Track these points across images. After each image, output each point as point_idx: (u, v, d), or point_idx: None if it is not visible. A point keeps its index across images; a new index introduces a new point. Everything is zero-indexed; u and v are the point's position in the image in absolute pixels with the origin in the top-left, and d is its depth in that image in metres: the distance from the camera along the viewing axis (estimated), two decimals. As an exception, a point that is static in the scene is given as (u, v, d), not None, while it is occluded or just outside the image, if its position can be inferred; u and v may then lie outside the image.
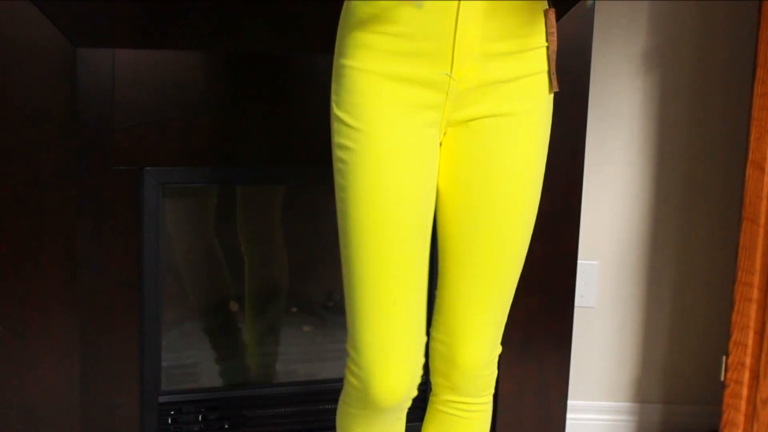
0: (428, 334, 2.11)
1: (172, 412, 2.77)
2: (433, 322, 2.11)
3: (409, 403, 2.06)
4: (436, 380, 2.14)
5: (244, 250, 3.01)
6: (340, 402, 2.11)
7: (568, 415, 3.16)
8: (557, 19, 2.73)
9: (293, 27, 2.59)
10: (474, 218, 2.00)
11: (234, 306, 3.04)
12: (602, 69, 3.14)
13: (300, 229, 3.05)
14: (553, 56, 1.99)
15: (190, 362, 2.98)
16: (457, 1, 1.86)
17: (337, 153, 1.94)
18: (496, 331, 2.10)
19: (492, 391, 2.16)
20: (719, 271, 3.27)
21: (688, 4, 3.15)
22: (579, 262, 3.06)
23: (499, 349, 2.13)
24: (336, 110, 1.94)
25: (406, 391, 1.99)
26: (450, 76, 1.90)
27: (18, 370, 2.59)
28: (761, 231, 2.85)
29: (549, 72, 2.00)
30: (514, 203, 2.00)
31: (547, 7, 1.99)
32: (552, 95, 2.03)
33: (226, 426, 2.82)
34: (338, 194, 1.95)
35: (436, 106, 1.92)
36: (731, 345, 2.92)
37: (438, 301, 2.09)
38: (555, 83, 2.01)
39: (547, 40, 1.99)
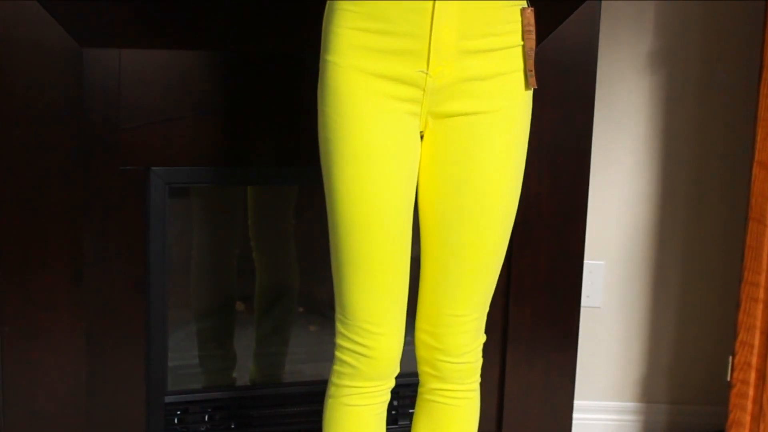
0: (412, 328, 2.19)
1: (179, 412, 2.77)
2: (417, 313, 2.17)
3: (392, 383, 2.15)
4: (422, 369, 2.20)
5: (254, 251, 3.01)
6: (332, 404, 2.16)
7: (574, 415, 3.16)
8: (561, 20, 2.74)
9: (300, 26, 2.59)
10: (453, 211, 2.06)
11: (240, 306, 3.04)
12: (608, 69, 3.14)
13: (307, 229, 3.05)
14: (531, 54, 2.04)
15: (196, 362, 2.98)
16: (432, 1, 1.93)
17: (322, 145, 2.04)
18: (478, 320, 2.15)
19: (478, 378, 2.21)
20: (725, 271, 3.27)
21: (694, 5, 3.15)
22: (585, 262, 3.06)
23: (482, 339, 2.19)
24: (320, 104, 2.03)
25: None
26: (426, 74, 1.97)
27: (24, 370, 2.59)
28: (767, 231, 2.85)
29: (525, 70, 2.05)
30: (493, 198, 2.05)
31: (525, 6, 2.04)
32: (530, 92, 2.08)
33: (233, 426, 2.82)
34: (325, 184, 2.04)
35: (413, 100, 2.00)
36: (737, 345, 2.92)
37: (420, 291, 2.15)
38: (532, 80, 2.05)
39: (522, 39, 2.03)
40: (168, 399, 2.74)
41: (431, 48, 1.95)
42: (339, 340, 2.11)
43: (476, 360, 2.18)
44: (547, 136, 2.81)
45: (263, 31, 2.62)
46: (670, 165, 3.25)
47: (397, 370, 2.14)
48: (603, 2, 2.82)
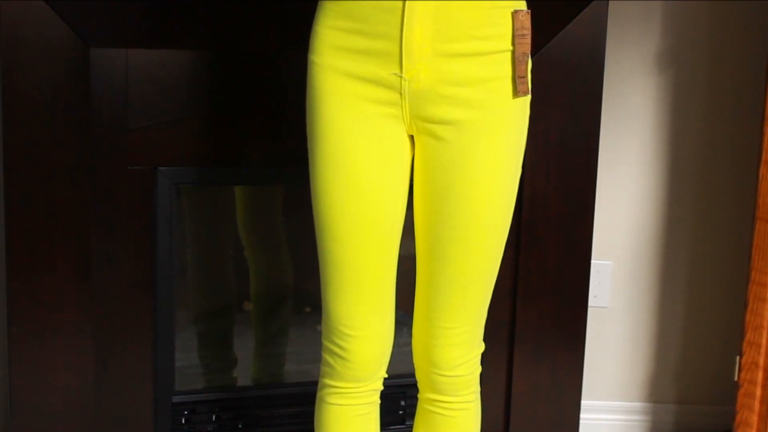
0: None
1: (186, 412, 2.77)
2: (413, 322, 2.14)
3: (379, 384, 2.14)
4: (419, 378, 2.18)
5: (245, 248, 3.00)
6: (317, 400, 2.16)
7: (582, 415, 3.16)
8: (569, 20, 2.74)
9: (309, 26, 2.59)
10: (441, 222, 2.01)
11: (248, 306, 3.04)
12: (616, 69, 3.14)
13: (312, 228, 3.04)
14: (523, 59, 1.95)
15: (203, 362, 2.98)
16: (402, 1, 1.88)
17: (308, 145, 2.03)
18: (470, 333, 2.10)
19: (475, 389, 2.18)
20: (733, 271, 3.27)
21: (701, 4, 3.15)
22: (592, 262, 3.06)
23: (479, 349, 2.15)
24: (306, 104, 2.02)
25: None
26: (400, 76, 1.92)
27: (32, 370, 2.59)
28: (775, 231, 2.85)
29: (513, 76, 1.96)
30: (481, 210, 1.99)
31: (524, 8, 1.96)
32: (526, 99, 2.00)
33: (240, 426, 2.82)
34: (311, 182, 2.02)
35: (392, 103, 1.95)
36: (745, 345, 2.92)
37: (415, 300, 2.13)
38: (523, 88, 1.96)
39: (513, 44, 1.95)
40: (175, 399, 2.74)
41: (403, 49, 1.90)
42: (322, 339, 2.10)
43: (470, 372, 2.14)
44: (554, 136, 2.81)
45: (272, 32, 2.62)
46: (677, 165, 3.24)
47: (378, 374, 2.12)
48: (610, 2, 2.82)
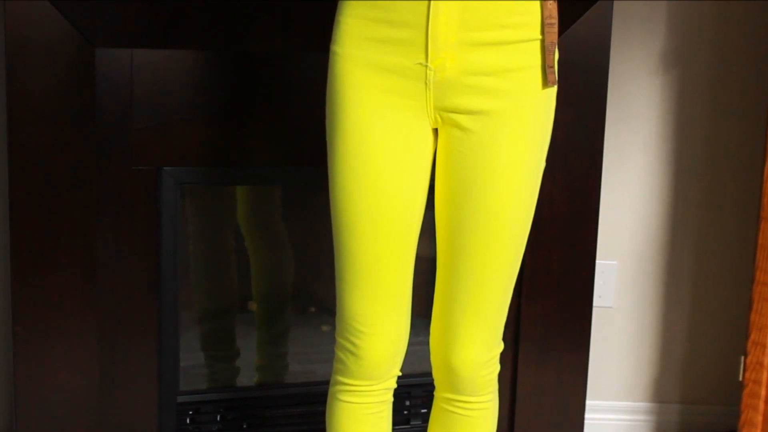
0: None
1: (191, 412, 2.77)
2: (432, 320, 2.12)
3: (392, 382, 2.12)
4: (436, 377, 2.15)
5: (245, 238, 2.99)
6: (329, 396, 2.14)
7: (587, 415, 3.16)
8: (574, 20, 2.74)
9: (317, 26, 2.59)
10: (462, 217, 1.98)
11: (253, 306, 3.04)
12: (621, 69, 3.14)
13: (317, 228, 3.05)
14: (552, 48, 1.94)
15: (208, 362, 2.98)
16: None
17: (327, 137, 2.00)
18: (491, 333, 2.07)
19: (493, 388, 2.15)
20: (737, 271, 3.27)
21: (706, 5, 3.15)
22: (597, 262, 3.06)
23: (498, 349, 2.12)
24: (327, 95, 1.99)
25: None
26: (426, 66, 1.90)
27: (36, 370, 2.59)
28: (780, 231, 2.85)
29: (543, 66, 1.95)
30: (503, 204, 1.96)
31: None
32: (553, 90, 1.99)
33: (245, 426, 2.82)
34: (329, 173, 2.00)
35: (416, 94, 1.93)
36: (749, 345, 2.91)
37: (435, 300, 2.10)
38: (552, 77, 1.95)
39: (542, 33, 1.93)
40: (180, 399, 2.74)
41: (429, 38, 1.88)
42: (336, 335, 2.08)
43: (489, 373, 2.11)
44: (559, 136, 2.79)
45: (277, 32, 2.62)
46: (682, 165, 3.24)
47: (390, 373, 2.10)
48: (615, 2, 2.82)
